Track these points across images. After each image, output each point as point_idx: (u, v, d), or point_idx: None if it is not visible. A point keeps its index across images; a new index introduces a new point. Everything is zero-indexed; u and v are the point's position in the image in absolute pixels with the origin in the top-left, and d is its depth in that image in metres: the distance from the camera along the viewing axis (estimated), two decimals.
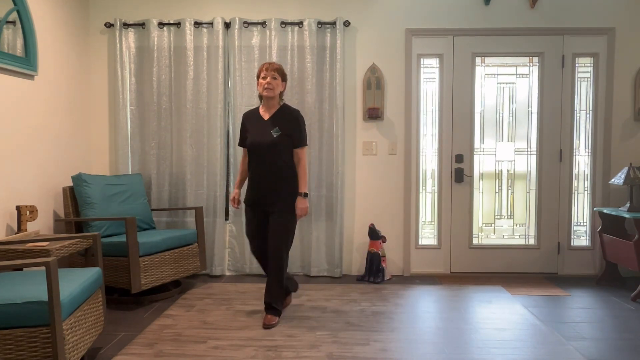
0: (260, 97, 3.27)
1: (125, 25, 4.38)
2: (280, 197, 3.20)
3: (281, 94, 3.28)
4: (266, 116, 3.25)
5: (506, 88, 4.47)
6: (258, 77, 3.24)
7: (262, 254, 3.33)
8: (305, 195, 3.22)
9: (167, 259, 3.73)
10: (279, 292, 3.25)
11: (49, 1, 3.88)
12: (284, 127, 3.20)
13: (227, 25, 4.38)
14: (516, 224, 4.54)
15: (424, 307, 3.60)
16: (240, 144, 3.39)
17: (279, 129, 3.19)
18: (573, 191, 4.48)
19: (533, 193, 4.50)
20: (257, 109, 3.33)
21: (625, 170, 4.02)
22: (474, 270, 4.53)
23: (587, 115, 4.45)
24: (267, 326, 3.17)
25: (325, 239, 4.42)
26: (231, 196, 3.46)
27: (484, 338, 3.02)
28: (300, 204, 3.21)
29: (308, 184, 4.37)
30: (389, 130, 4.46)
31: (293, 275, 4.48)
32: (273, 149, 3.18)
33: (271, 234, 3.20)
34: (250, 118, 3.31)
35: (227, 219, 4.48)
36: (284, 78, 3.26)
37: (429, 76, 4.49)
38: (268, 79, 3.17)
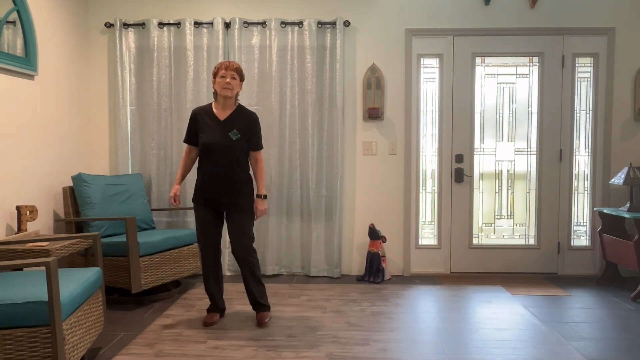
0: (215, 95, 3.20)
1: (125, 25, 4.38)
2: (239, 197, 3.16)
3: (237, 94, 3.22)
4: (222, 116, 3.16)
5: (506, 88, 4.47)
6: (215, 75, 3.15)
7: (217, 257, 3.28)
8: (265, 197, 3.22)
9: (167, 259, 3.73)
10: (261, 288, 3.25)
11: (49, 1, 3.88)
12: (243, 131, 3.15)
13: (227, 25, 4.38)
14: (516, 224, 4.54)
15: (424, 307, 3.60)
16: (187, 141, 3.25)
17: (237, 131, 3.13)
18: (573, 191, 4.48)
19: (533, 193, 4.50)
20: (209, 106, 3.22)
21: (625, 170, 4.02)
22: (474, 270, 4.53)
23: (587, 115, 4.45)
24: (262, 324, 3.17)
25: (325, 239, 4.42)
26: (172, 192, 3.24)
27: (484, 338, 3.02)
28: (260, 205, 3.20)
29: (308, 184, 4.38)
30: (389, 130, 4.46)
31: (293, 274, 4.49)
32: (231, 151, 3.11)
33: (237, 234, 3.15)
34: (202, 116, 3.19)
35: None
36: (242, 78, 3.21)
37: (429, 76, 4.49)
38: (228, 79, 3.11)
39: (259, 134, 3.24)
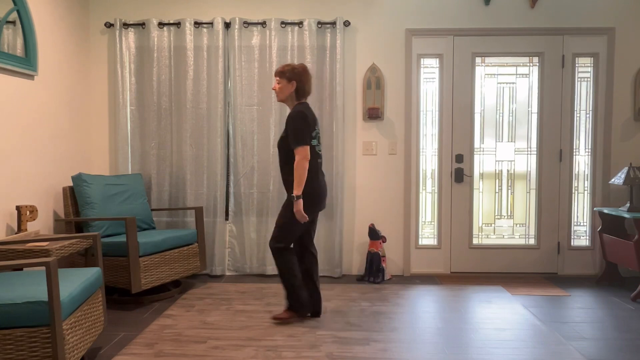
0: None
1: (125, 25, 4.38)
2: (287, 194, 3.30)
3: (293, 94, 3.22)
4: None
5: (506, 88, 4.47)
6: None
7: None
8: (296, 197, 3.06)
9: (167, 259, 3.73)
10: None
11: (49, 1, 3.88)
12: (286, 130, 3.21)
13: (227, 25, 4.38)
14: (516, 224, 4.53)
15: (424, 307, 3.60)
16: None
17: (285, 131, 3.22)
18: (573, 191, 4.48)
19: (533, 193, 4.50)
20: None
21: (625, 170, 4.02)
22: (474, 270, 4.53)
23: (587, 115, 4.45)
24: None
25: (325, 239, 4.41)
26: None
27: (484, 338, 3.02)
28: (294, 207, 3.10)
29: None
30: (389, 130, 4.46)
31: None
32: (279, 151, 3.28)
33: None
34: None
35: (227, 219, 4.48)
36: (290, 78, 3.19)
37: (429, 76, 4.49)
38: (273, 85, 3.28)
39: (294, 131, 3.10)
